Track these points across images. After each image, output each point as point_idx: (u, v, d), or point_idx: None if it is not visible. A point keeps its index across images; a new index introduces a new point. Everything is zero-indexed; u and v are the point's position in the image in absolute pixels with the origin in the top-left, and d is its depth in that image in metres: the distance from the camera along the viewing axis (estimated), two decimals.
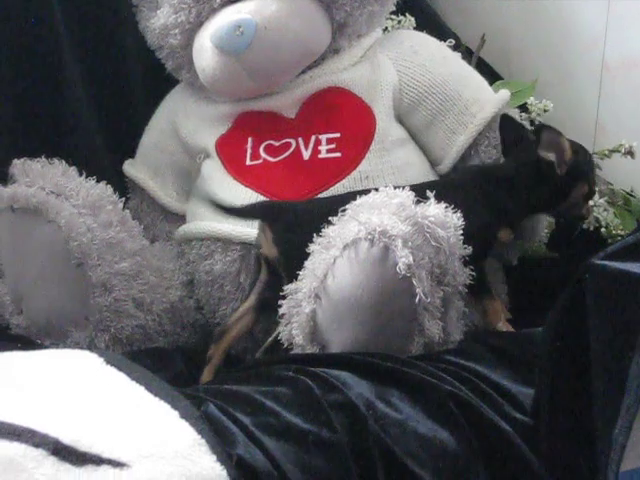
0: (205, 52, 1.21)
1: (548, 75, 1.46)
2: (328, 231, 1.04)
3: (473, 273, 1.05)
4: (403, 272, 0.96)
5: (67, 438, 0.74)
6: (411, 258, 0.97)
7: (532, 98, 1.36)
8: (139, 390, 0.83)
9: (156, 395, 0.83)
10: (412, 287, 0.97)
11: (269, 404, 0.86)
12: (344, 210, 1.05)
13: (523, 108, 1.35)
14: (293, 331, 1.04)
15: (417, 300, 0.98)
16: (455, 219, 1.02)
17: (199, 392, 0.89)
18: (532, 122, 1.34)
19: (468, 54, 1.43)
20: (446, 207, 1.02)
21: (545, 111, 1.35)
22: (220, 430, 0.82)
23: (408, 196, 1.03)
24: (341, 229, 1.02)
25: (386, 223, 0.98)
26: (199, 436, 0.79)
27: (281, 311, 1.06)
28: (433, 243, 0.99)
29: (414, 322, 1.00)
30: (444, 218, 1.01)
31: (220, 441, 0.80)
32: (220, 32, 1.18)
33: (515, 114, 1.29)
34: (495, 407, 0.93)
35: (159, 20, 1.26)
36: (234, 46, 1.17)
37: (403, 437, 0.87)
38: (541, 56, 1.52)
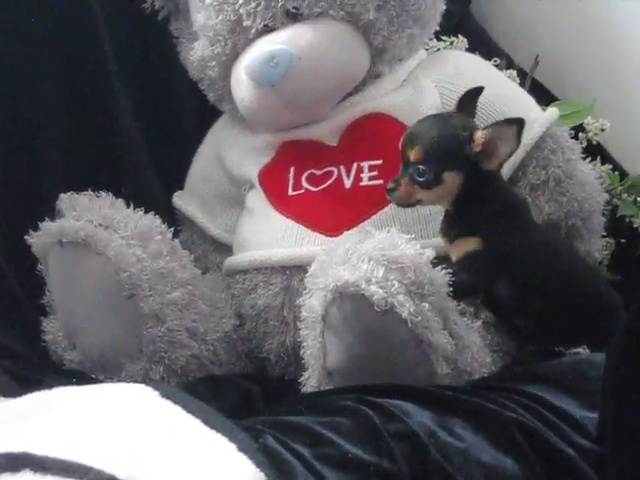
0: (242, 84, 1.20)
1: (604, 94, 1.43)
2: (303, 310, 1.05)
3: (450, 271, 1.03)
4: (383, 307, 0.95)
5: (123, 474, 0.73)
6: (381, 291, 0.95)
7: (589, 117, 1.34)
8: (195, 423, 0.82)
9: (213, 428, 0.81)
10: (397, 315, 0.96)
11: (328, 435, 0.84)
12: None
13: (580, 128, 1.33)
14: None
15: (409, 324, 0.96)
16: (402, 238, 1.01)
17: (257, 424, 0.87)
18: (590, 142, 1.32)
19: (522, 75, 1.41)
20: (388, 230, 1.02)
21: (602, 130, 1.33)
22: (279, 462, 0.80)
23: (348, 239, 1.04)
24: (310, 302, 1.03)
25: (341, 275, 0.97)
26: (257, 469, 0.77)
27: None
28: (394, 266, 0.98)
29: (421, 344, 0.98)
30: (391, 240, 1.00)
31: (279, 474, 0.78)
32: (254, 64, 1.16)
33: (566, 132, 1.26)
34: (559, 433, 0.91)
35: (197, 52, 1.25)
36: (268, 78, 1.15)
37: (466, 466, 0.85)
38: (596, 75, 1.50)
